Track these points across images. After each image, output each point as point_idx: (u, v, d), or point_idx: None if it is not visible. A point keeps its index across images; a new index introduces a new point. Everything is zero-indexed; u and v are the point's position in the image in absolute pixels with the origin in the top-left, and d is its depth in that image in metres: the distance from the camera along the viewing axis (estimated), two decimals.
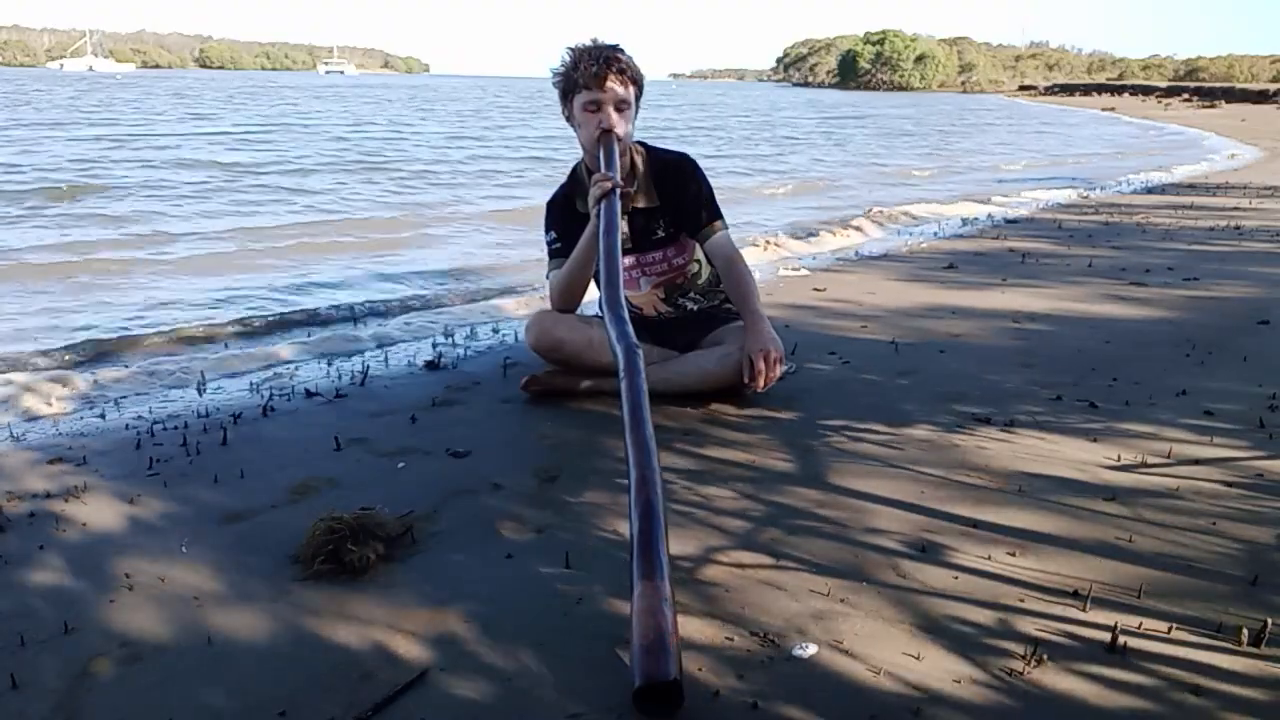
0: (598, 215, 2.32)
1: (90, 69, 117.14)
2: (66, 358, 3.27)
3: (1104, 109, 40.33)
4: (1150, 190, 9.24)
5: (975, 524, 1.80)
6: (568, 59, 2.43)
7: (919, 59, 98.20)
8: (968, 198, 8.59)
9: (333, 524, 1.64)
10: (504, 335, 3.39)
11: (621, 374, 1.90)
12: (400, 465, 2.11)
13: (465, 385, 2.71)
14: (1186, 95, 52.28)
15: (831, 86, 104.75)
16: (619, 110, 2.41)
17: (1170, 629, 1.44)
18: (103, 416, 2.51)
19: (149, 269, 5.13)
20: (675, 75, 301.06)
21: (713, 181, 2.62)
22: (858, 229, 6.35)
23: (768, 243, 5.61)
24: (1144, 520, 1.82)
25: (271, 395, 2.62)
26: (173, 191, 8.34)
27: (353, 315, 3.98)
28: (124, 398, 2.70)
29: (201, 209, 7.37)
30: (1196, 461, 2.13)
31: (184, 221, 6.79)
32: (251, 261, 5.36)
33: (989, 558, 1.67)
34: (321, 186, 9.00)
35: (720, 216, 2.59)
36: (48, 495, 1.92)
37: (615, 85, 2.39)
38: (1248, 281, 4.35)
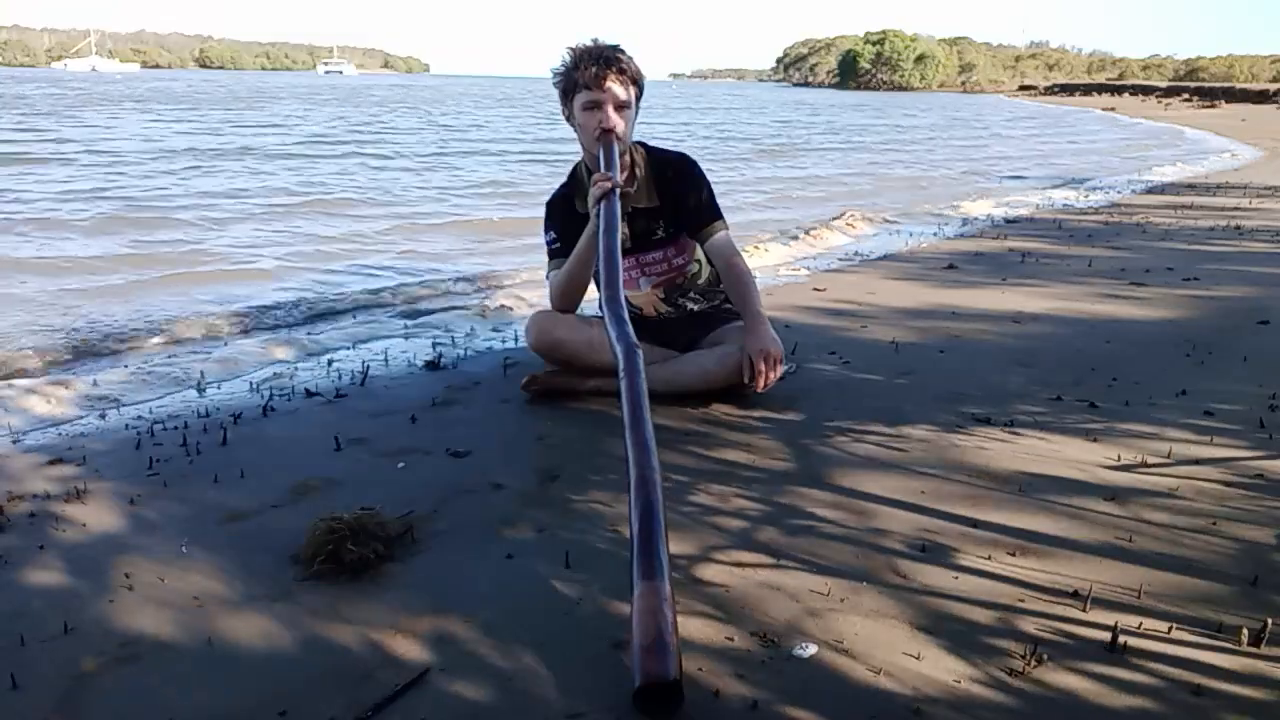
0: (597, 215, 2.33)
1: (93, 69, 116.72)
2: (67, 358, 3.27)
3: (1104, 109, 40.32)
4: (1150, 190, 9.25)
5: (975, 524, 1.80)
6: (568, 59, 2.44)
7: (919, 59, 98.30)
8: None
9: (333, 524, 1.64)
10: (504, 335, 3.39)
11: (621, 374, 1.90)
12: (400, 465, 2.11)
13: (465, 385, 2.71)
14: (1186, 95, 52.29)
15: (831, 86, 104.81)
16: (619, 110, 2.41)
17: (1170, 629, 1.44)
18: (103, 416, 2.51)
19: (148, 265, 5.14)
20: (675, 75, 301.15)
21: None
22: None
23: None
24: (1144, 520, 1.82)
25: (271, 395, 2.62)
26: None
27: (353, 315, 3.98)
28: (124, 398, 2.70)
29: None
30: (1196, 461, 2.13)
31: (187, 216, 6.79)
32: (252, 255, 5.37)
33: (989, 558, 1.67)
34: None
35: (720, 216, 2.59)
36: (48, 496, 1.92)
37: (615, 85, 2.39)
38: (1248, 281, 4.36)
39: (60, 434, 2.37)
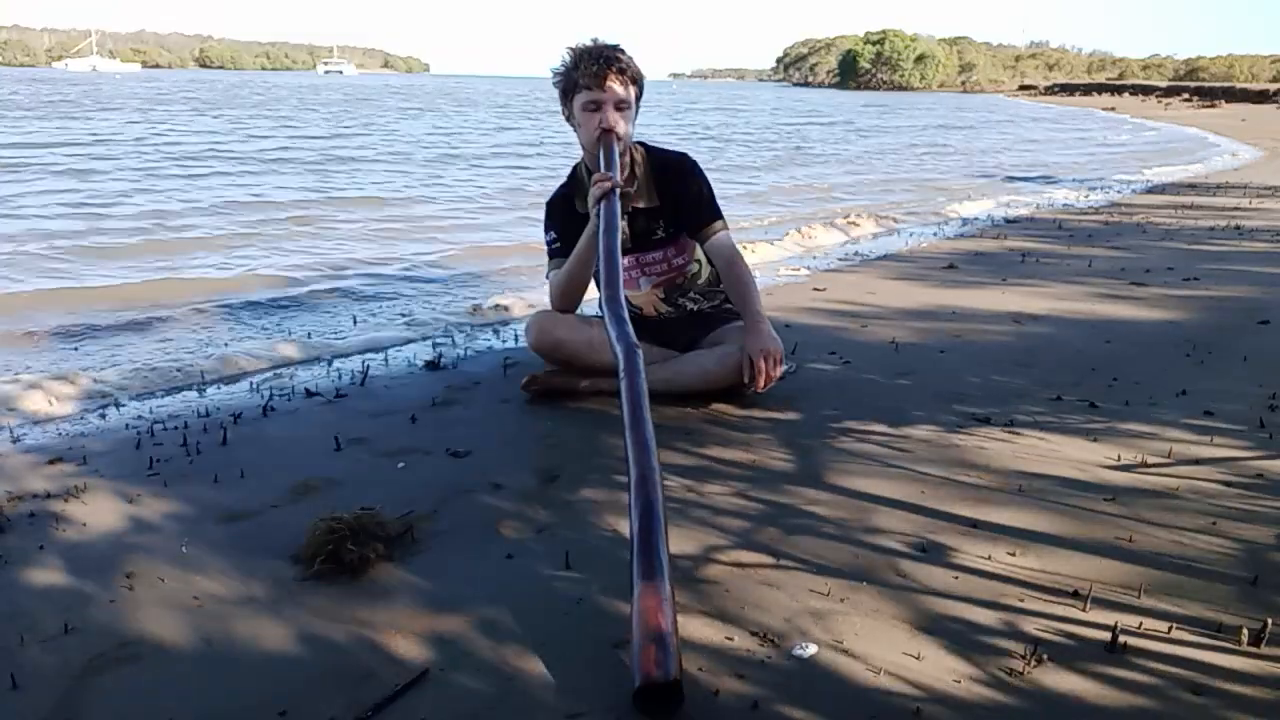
0: (598, 215, 2.33)
1: (94, 69, 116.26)
2: (67, 357, 3.27)
3: (1104, 109, 40.31)
4: (1150, 190, 9.25)
5: (975, 524, 1.80)
6: (568, 59, 2.44)
7: (919, 59, 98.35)
8: None
9: (333, 524, 1.64)
10: (504, 335, 3.39)
11: (621, 373, 1.90)
12: (400, 465, 2.11)
13: (465, 385, 2.71)
14: (1186, 95, 52.30)
15: (832, 86, 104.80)
16: (619, 110, 2.41)
17: (1170, 629, 1.44)
18: (103, 416, 2.51)
19: (145, 259, 5.15)
20: (675, 75, 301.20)
21: None
22: None
23: None
24: (1144, 520, 1.82)
25: (271, 395, 2.62)
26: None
27: (353, 314, 3.98)
28: (124, 398, 2.70)
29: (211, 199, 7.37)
30: (1196, 461, 2.13)
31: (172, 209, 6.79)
32: (254, 257, 5.37)
33: (989, 558, 1.67)
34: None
35: (720, 216, 2.58)
36: (48, 495, 1.92)
37: (616, 85, 2.39)
38: (1248, 281, 4.36)
39: (60, 433, 2.37)
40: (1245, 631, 1.42)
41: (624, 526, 1.71)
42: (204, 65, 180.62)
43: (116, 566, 1.63)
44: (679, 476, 2.01)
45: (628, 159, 2.51)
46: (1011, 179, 11.09)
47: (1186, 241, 5.57)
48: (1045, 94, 69.95)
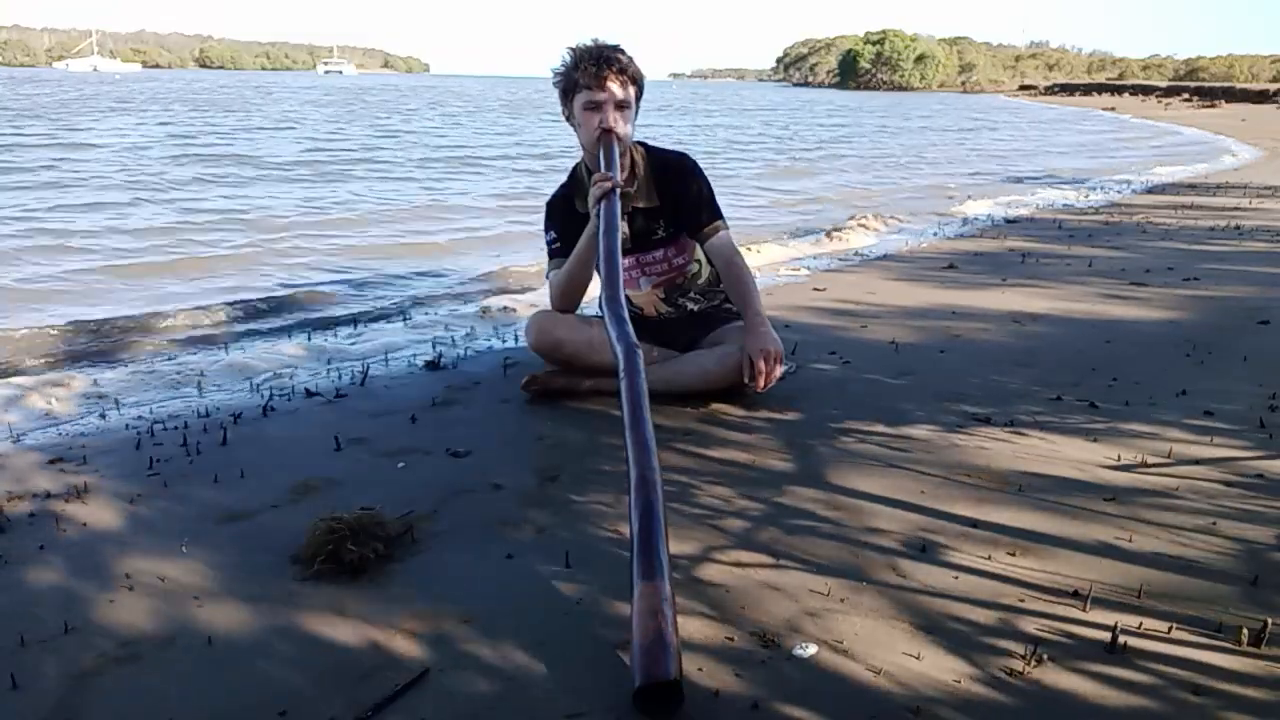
0: (598, 215, 2.33)
1: (95, 69, 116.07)
2: (67, 356, 3.27)
3: (1104, 109, 40.32)
4: (1150, 190, 9.25)
5: (975, 524, 1.80)
6: (568, 59, 2.44)
7: (919, 59, 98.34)
8: None
9: (333, 524, 1.64)
10: (504, 335, 3.39)
11: (621, 374, 1.90)
12: (400, 465, 2.11)
13: (465, 385, 2.71)
14: (1186, 95, 52.30)
15: (832, 86, 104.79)
16: (619, 110, 2.41)
17: (1170, 629, 1.44)
18: (103, 416, 2.51)
19: (148, 264, 5.14)
20: (675, 75, 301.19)
21: None
22: None
23: None
24: (1144, 520, 1.82)
25: (271, 395, 2.62)
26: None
27: (353, 315, 3.98)
28: (124, 398, 2.70)
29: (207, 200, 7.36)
30: (1196, 461, 2.13)
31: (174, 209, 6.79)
32: (253, 259, 5.37)
33: (989, 558, 1.67)
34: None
35: (720, 216, 2.58)
36: (48, 495, 1.92)
37: (615, 85, 2.39)
38: (1248, 281, 4.36)
39: (60, 433, 2.37)
40: (1245, 631, 1.42)
41: (624, 527, 1.71)
42: (204, 65, 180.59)
43: (116, 566, 1.63)
44: (679, 476, 2.01)
45: (628, 159, 2.51)
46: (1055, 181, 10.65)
47: (1186, 241, 5.57)
48: (1045, 94, 69.96)
